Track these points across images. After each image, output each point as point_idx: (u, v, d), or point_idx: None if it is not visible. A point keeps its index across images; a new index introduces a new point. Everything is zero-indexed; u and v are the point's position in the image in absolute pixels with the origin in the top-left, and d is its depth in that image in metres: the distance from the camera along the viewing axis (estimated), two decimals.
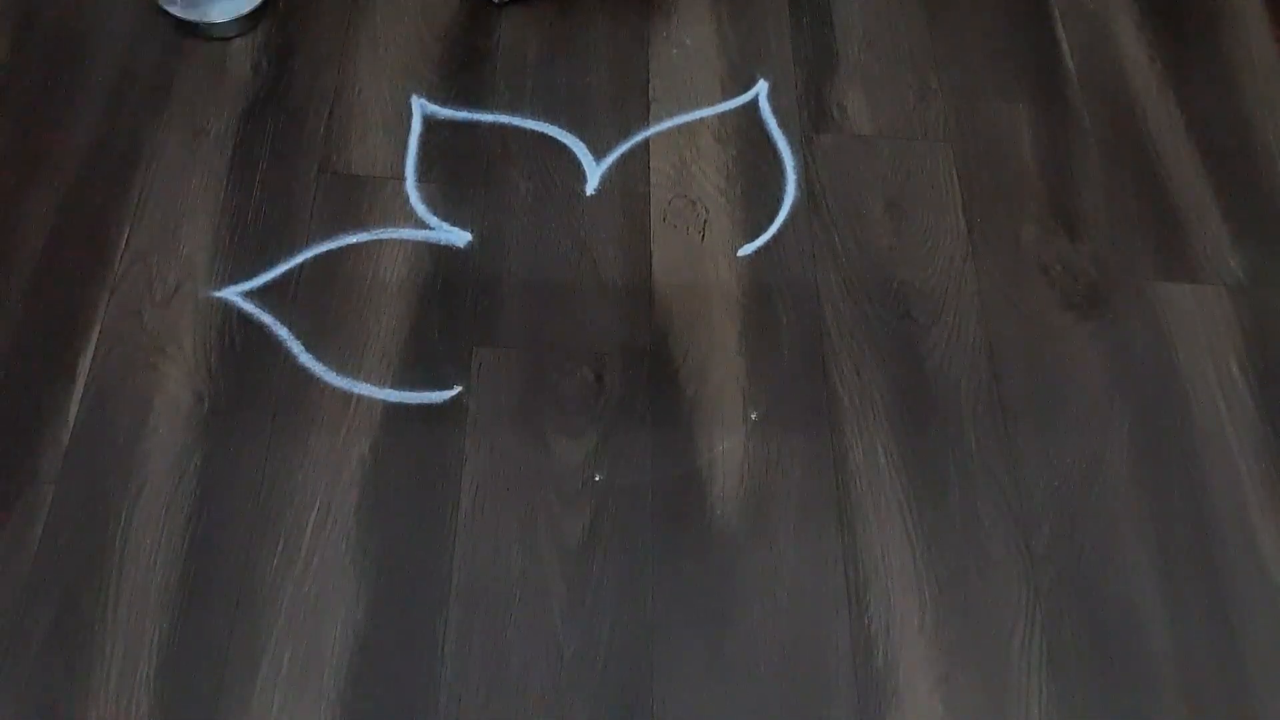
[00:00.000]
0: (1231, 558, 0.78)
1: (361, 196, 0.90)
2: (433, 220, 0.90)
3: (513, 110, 0.96)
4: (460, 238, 0.89)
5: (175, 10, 0.97)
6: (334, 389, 0.81)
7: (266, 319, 0.84)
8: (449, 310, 0.85)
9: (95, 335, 0.82)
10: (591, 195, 0.92)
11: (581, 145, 0.94)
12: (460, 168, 0.93)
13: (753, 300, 0.87)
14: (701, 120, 0.97)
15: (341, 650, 0.71)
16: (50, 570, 0.73)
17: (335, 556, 0.74)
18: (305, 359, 0.82)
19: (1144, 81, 1.03)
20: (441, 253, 0.88)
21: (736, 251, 0.90)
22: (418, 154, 0.93)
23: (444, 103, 0.96)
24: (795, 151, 0.95)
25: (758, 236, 0.91)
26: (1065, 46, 1.05)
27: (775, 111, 0.98)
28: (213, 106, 0.94)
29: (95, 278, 0.85)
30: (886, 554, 0.77)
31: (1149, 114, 1.01)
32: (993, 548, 0.78)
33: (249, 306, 0.84)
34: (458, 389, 0.82)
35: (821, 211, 0.92)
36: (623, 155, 0.94)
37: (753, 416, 0.82)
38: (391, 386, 0.81)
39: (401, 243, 0.88)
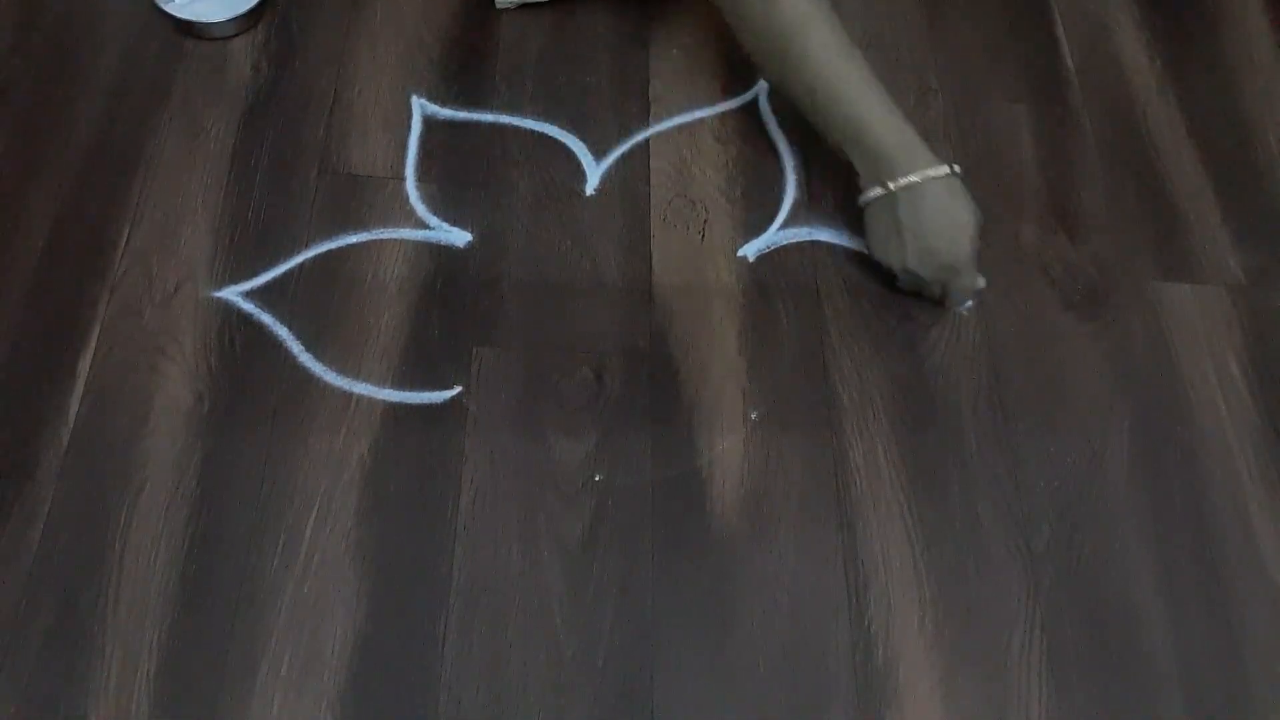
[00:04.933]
0: (1231, 558, 0.78)
1: (361, 196, 0.90)
2: (433, 220, 0.90)
3: (513, 110, 0.96)
4: (460, 238, 0.89)
5: (174, 10, 0.97)
6: (334, 389, 0.81)
7: (266, 319, 0.84)
8: (449, 310, 0.85)
9: (95, 335, 0.82)
10: (591, 195, 0.92)
11: (581, 145, 0.94)
12: (460, 168, 0.93)
13: (753, 300, 0.87)
14: (701, 120, 0.97)
15: (341, 650, 0.71)
16: (50, 570, 0.73)
17: (335, 556, 0.74)
18: (305, 359, 0.82)
19: (1144, 81, 1.03)
20: (441, 253, 0.88)
21: (736, 251, 0.90)
22: (418, 154, 0.93)
23: (444, 103, 0.96)
24: (795, 151, 0.95)
25: (758, 236, 0.91)
26: (1065, 46, 1.05)
27: (775, 111, 0.98)
28: (213, 106, 0.94)
29: (95, 278, 0.85)
30: (886, 554, 0.77)
31: (1149, 114, 1.01)
32: (993, 548, 0.78)
33: (249, 306, 0.84)
34: (458, 389, 0.82)
35: (821, 211, 0.92)
36: (623, 155, 0.94)
37: (753, 416, 0.82)
38: (391, 386, 0.82)
39: (401, 243, 0.88)
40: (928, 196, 0.81)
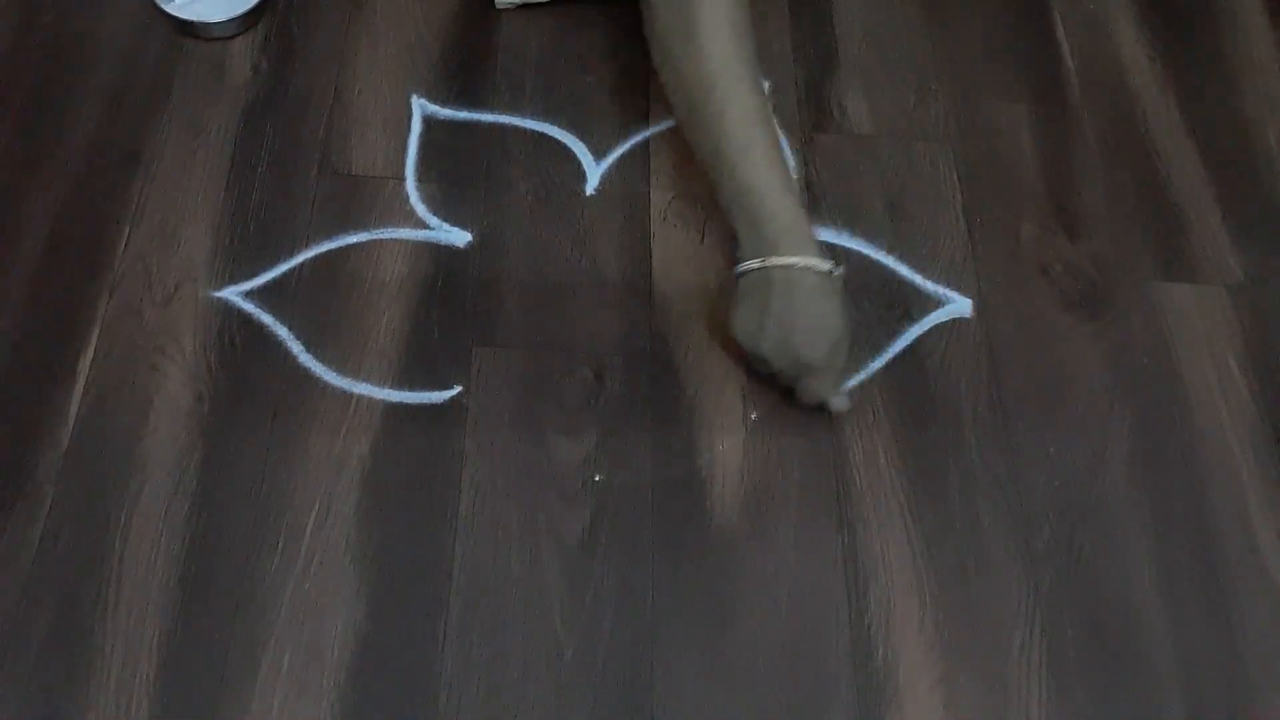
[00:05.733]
0: (1231, 558, 0.78)
1: (361, 196, 0.90)
2: (433, 220, 0.90)
3: (513, 110, 0.96)
4: (460, 238, 0.89)
5: (174, 10, 0.97)
6: (334, 389, 0.81)
7: (266, 319, 0.84)
8: (449, 310, 0.85)
9: (95, 335, 0.82)
10: (591, 195, 0.92)
11: (581, 145, 0.94)
12: (460, 168, 0.93)
13: None
14: None
15: (341, 650, 0.71)
16: (50, 570, 0.73)
17: (335, 556, 0.74)
18: (305, 359, 0.82)
19: (1144, 81, 1.03)
20: (441, 253, 0.88)
21: (737, 251, 0.89)
22: (418, 154, 0.93)
23: (444, 103, 0.96)
24: (795, 151, 0.95)
25: None
26: (1065, 46, 1.05)
27: (775, 111, 0.97)
28: (213, 106, 0.94)
29: (95, 278, 0.85)
30: (886, 554, 0.77)
31: (1149, 114, 1.01)
32: (993, 548, 0.78)
33: (249, 306, 0.84)
34: (458, 389, 0.82)
35: (821, 211, 0.92)
36: (623, 155, 0.94)
37: (753, 416, 0.82)
38: (391, 386, 0.81)
39: (401, 243, 0.88)
40: (802, 286, 0.77)
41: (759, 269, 0.78)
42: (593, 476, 0.79)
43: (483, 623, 0.73)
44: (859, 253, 0.90)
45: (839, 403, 0.80)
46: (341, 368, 0.82)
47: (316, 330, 0.83)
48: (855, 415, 0.82)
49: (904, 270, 0.89)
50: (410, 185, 0.91)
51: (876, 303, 0.88)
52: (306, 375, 0.81)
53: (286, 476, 0.77)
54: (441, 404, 0.81)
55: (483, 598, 0.74)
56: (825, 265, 0.78)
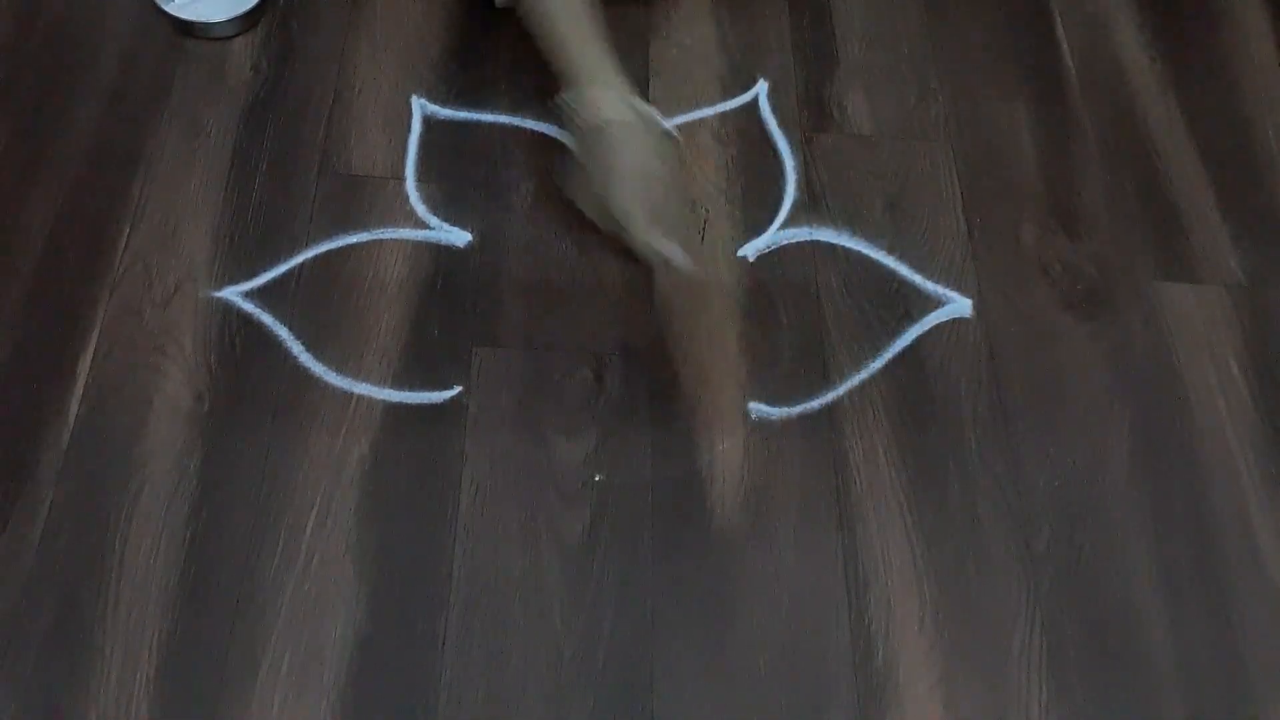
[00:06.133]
0: (1231, 558, 0.78)
1: (361, 196, 0.90)
2: (433, 220, 0.90)
3: (513, 110, 0.96)
4: (460, 238, 0.89)
5: (174, 10, 0.97)
6: (334, 389, 0.81)
7: (266, 319, 0.84)
8: (449, 310, 0.85)
9: (95, 335, 0.82)
10: None
11: None
12: (460, 168, 0.93)
13: (753, 300, 0.87)
14: (701, 120, 0.97)
15: (341, 650, 0.71)
16: (50, 570, 0.73)
17: (335, 556, 0.74)
18: (305, 359, 0.82)
19: (1144, 81, 1.03)
20: (441, 253, 0.88)
21: (736, 251, 0.90)
22: (418, 154, 0.93)
23: (444, 103, 0.96)
24: (795, 151, 0.95)
25: (758, 236, 0.91)
26: (1065, 46, 1.05)
27: (775, 111, 0.98)
28: (213, 106, 0.94)
29: (95, 278, 0.85)
30: (886, 554, 0.77)
31: (1149, 114, 1.01)
32: (993, 548, 0.78)
33: (249, 306, 0.84)
34: (457, 389, 0.82)
35: (821, 211, 0.92)
36: None
37: (753, 416, 0.82)
38: (391, 386, 0.81)
39: (401, 243, 0.88)
40: (604, 138, 0.76)
41: (574, 117, 0.79)
42: (593, 476, 0.79)
43: (483, 623, 0.73)
44: (859, 253, 0.90)
45: (673, 254, 0.76)
46: (341, 368, 0.82)
47: (316, 330, 0.83)
48: (855, 415, 0.82)
49: (904, 270, 0.90)
50: (410, 185, 0.91)
51: (876, 303, 0.88)
52: (306, 375, 0.82)
53: (286, 476, 0.77)
54: (441, 404, 0.81)
55: (483, 598, 0.74)
56: (629, 115, 0.76)
